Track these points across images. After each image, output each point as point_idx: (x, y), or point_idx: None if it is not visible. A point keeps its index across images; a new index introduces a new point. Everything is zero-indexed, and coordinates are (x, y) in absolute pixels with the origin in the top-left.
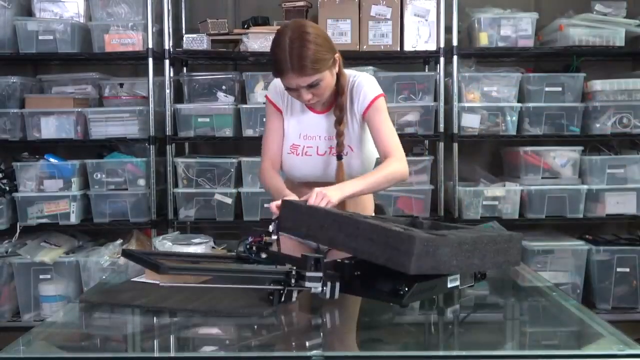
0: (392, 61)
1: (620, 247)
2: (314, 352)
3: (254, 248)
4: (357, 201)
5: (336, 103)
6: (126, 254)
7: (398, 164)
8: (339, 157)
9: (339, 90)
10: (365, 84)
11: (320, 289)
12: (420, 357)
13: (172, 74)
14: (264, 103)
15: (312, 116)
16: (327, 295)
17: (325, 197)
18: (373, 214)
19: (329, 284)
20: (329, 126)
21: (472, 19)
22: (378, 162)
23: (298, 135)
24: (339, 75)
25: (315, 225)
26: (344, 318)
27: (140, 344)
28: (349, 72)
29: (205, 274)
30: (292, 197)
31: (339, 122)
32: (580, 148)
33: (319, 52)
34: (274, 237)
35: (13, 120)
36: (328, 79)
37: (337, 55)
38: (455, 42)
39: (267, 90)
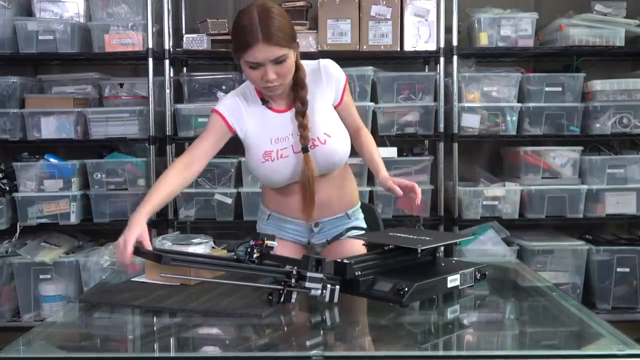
0: (392, 61)
1: (620, 247)
2: (314, 352)
3: (254, 251)
4: (342, 192)
5: (296, 96)
6: None
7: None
8: (305, 150)
9: (299, 83)
10: (333, 66)
11: (320, 291)
12: (420, 357)
13: (172, 74)
14: None
15: (276, 117)
16: (327, 299)
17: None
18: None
19: (328, 287)
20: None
21: (472, 19)
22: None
23: (269, 141)
24: (298, 68)
25: None
26: (344, 318)
27: (140, 344)
28: (306, 62)
29: (206, 267)
30: (139, 228)
31: (302, 115)
32: (580, 148)
33: (286, 27)
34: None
35: (13, 120)
36: (292, 60)
37: (296, 43)
38: (455, 42)
39: (217, 105)
